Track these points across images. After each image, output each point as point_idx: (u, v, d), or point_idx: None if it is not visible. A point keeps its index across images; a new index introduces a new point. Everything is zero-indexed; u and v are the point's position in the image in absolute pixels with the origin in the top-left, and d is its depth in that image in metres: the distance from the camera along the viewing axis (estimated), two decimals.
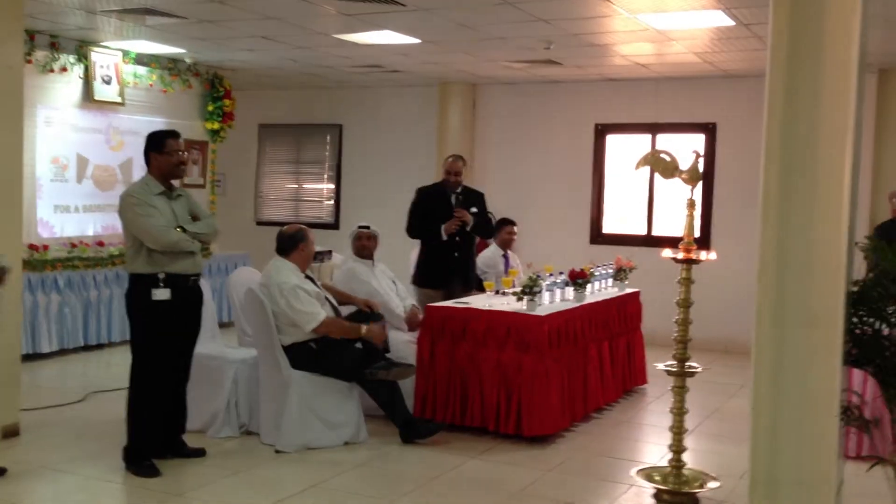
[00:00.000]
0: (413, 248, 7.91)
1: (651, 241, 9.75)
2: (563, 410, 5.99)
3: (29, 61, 7.75)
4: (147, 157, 5.12)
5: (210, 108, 10.09)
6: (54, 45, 8.22)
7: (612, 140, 10.36)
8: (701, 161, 4.83)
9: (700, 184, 4.89)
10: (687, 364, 4.79)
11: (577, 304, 6.42)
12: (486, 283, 6.58)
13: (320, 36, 7.94)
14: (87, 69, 8.57)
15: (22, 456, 5.23)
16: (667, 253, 4.79)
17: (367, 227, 6.73)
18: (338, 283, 6.50)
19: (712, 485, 4.85)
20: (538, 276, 6.12)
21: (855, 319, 3.58)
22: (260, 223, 12.25)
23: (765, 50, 3.42)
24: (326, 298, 5.84)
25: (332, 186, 11.97)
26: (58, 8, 7.04)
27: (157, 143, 5.08)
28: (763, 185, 3.39)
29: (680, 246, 4.72)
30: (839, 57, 3.26)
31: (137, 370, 5.05)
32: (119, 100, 8.94)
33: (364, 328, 5.67)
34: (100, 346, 8.66)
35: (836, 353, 3.29)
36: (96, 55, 8.65)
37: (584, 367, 6.36)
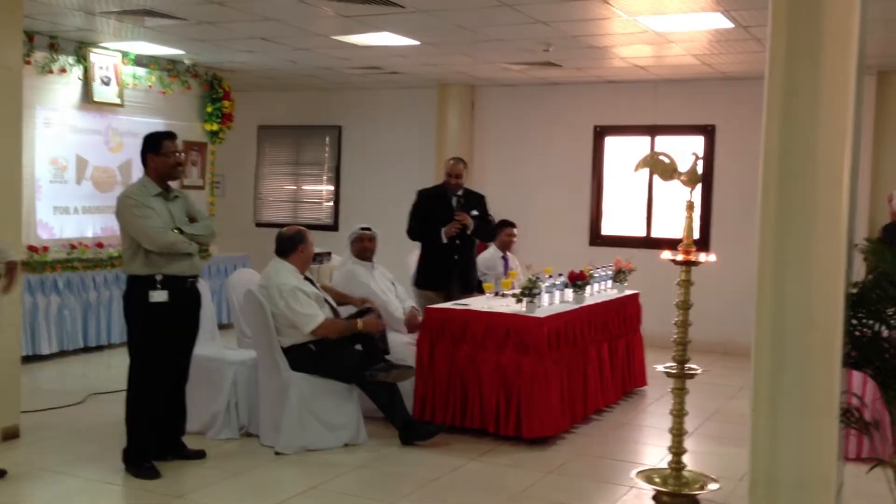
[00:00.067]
0: (412, 251, 7.91)
1: (650, 243, 9.75)
2: (563, 412, 5.99)
3: (28, 62, 7.75)
4: (144, 158, 5.11)
5: (209, 109, 10.10)
6: (53, 47, 8.22)
7: (611, 142, 10.36)
8: (700, 163, 4.83)
9: (699, 186, 4.88)
10: (686, 366, 4.79)
11: (577, 306, 6.42)
12: (485, 285, 6.58)
13: (319, 37, 7.94)
14: (86, 70, 8.58)
15: (22, 458, 5.23)
16: (666, 255, 4.79)
17: (369, 229, 6.73)
18: (337, 285, 6.50)
19: (712, 486, 4.85)
20: (537, 278, 6.12)
21: (854, 321, 3.58)
22: (259, 225, 12.25)
23: (764, 52, 3.42)
24: (325, 300, 5.84)
25: (332, 188, 11.97)
26: (57, 9, 7.04)
27: (154, 145, 5.07)
28: (762, 187, 3.39)
29: (679, 248, 4.72)
30: (838, 59, 3.26)
31: (135, 372, 5.04)
32: (118, 101, 8.95)
33: (360, 322, 5.68)
34: (99, 348, 8.67)
35: (835, 355, 3.29)
36: (95, 56, 8.65)
37: (584, 368, 6.37)
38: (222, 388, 5.72)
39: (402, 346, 6.26)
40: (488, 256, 8.11)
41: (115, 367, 7.81)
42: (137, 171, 7.29)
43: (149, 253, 4.90)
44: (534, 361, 5.71)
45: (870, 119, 8.73)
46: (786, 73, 3.32)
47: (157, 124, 8.59)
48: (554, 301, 6.37)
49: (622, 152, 10.25)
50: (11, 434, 5.56)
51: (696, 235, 5.03)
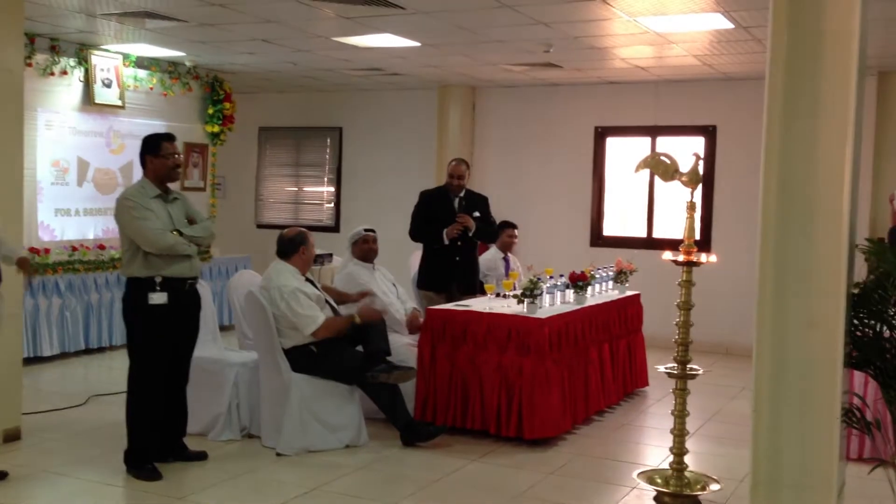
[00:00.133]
0: (414, 252, 7.91)
1: (651, 244, 9.76)
2: (564, 413, 5.99)
3: (29, 65, 7.76)
4: (143, 160, 5.10)
5: (210, 111, 10.10)
6: (54, 49, 8.23)
7: (611, 143, 10.36)
8: (701, 163, 4.83)
9: (700, 186, 4.89)
10: (688, 366, 4.79)
11: (578, 307, 6.42)
12: (486, 286, 6.58)
13: (320, 39, 7.95)
14: (87, 72, 8.59)
15: (23, 460, 5.23)
16: (667, 255, 4.79)
17: (372, 230, 6.72)
18: (338, 287, 6.50)
19: (714, 487, 4.85)
20: (538, 279, 6.12)
21: (856, 321, 3.59)
22: (260, 226, 12.26)
23: (764, 52, 3.42)
24: (326, 301, 5.84)
25: (332, 189, 11.98)
26: (58, 11, 7.05)
27: (153, 146, 5.06)
28: (763, 188, 3.39)
29: (680, 248, 4.72)
30: (839, 59, 3.26)
31: (135, 374, 5.04)
32: (119, 103, 8.95)
33: (356, 315, 5.69)
34: (101, 350, 8.67)
35: (836, 355, 3.29)
36: (96, 58, 8.66)
37: (585, 369, 6.36)
38: (223, 389, 5.72)
39: (404, 347, 6.26)
40: (489, 257, 8.11)
41: (116, 369, 7.82)
42: (139, 173, 7.28)
43: (148, 255, 4.89)
44: (535, 362, 5.71)
45: (870, 119, 8.72)
46: (786, 73, 3.32)
47: (158, 126, 8.60)
48: (555, 302, 6.37)
49: (623, 153, 10.25)
50: (13, 436, 5.57)
51: (698, 236, 5.02)
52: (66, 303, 8.29)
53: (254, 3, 6.57)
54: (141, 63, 9.24)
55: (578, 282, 6.54)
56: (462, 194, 7.08)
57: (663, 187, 9.42)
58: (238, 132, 10.77)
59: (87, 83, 8.60)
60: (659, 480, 4.86)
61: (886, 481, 3.68)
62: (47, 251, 8.15)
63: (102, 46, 8.66)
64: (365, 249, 6.64)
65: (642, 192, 10.09)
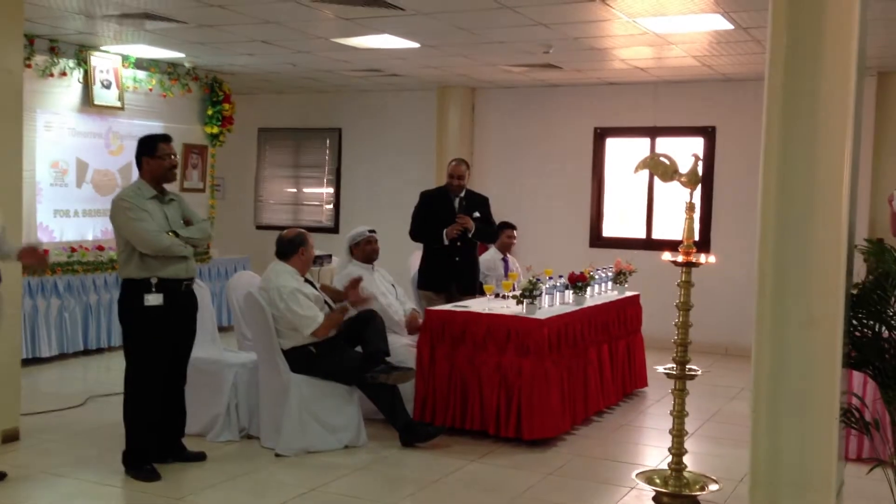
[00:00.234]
0: (413, 252, 7.91)
1: (651, 245, 9.76)
2: (563, 414, 5.99)
3: (28, 66, 7.76)
4: (139, 161, 5.09)
5: (209, 112, 10.11)
6: (54, 50, 8.23)
7: (611, 143, 10.37)
8: (700, 164, 4.83)
9: (699, 187, 4.88)
10: (687, 367, 4.78)
11: (577, 308, 6.42)
12: (485, 287, 6.58)
13: (319, 40, 7.95)
14: (86, 73, 8.59)
15: (22, 460, 5.23)
16: (666, 256, 4.79)
17: (374, 231, 6.72)
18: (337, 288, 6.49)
19: (713, 487, 4.84)
20: (538, 280, 6.12)
21: (854, 322, 3.59)
22: (259, 227, 12.26)
23: (764, 53, 3.42)
24: (326, 302, 5.84)
25: (332, 190, 11.98)
26: (57, 12, 7.05)
27: (149, 147, 5.05)
28: (762, 188, 3.39)
29: (680, 249, 4.72)
30: (838, 60, 3.27)
31: (132, 376, 5.03)
32: (118, 104, 8.96)
33: (346, 303, 5.70)
34: (100, 351, 8.67)
35: (835, 355, 3.29)
36: (96, 59, 8.66)
37: (584, 370, 6.36)
38: (222, 390, 5.72)
39: (403, 347, 6.26)
40: (488, 258, 8.11)
41: (114, 370, 7.80)
42: (137, 175, 7.30)
43: (144, 256, 4.88)
44: (534, 363, 5.70)
45: (870, 120, 8.72)
46: (786, 74, 3.33)
47: (157, 127, 8.61)
48: (554, 302, 6.37)
49: (623, 154, 10.25)
50: (11, 436, 5.56)
51: (697, 237, 5.02)
52: (65, 304, 8.29)
53: (253, 4, 6.57)
54: (140, 64, 9.24)
55: (578, 282, 6.54)
56: (462, 194, 7.09)
57: (662, 188, 9.43)
58: (237, 133, 10.78)
59: (87, 84, 8.61)
60: (658, 481, 4.86)
61: (885, 481, 3.68)
62: (46, 252, 8.12)
63: (102, 47, 8.66)
64: (369, 251, 6.63)
65: (642, 193, 10.09)
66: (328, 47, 8.26)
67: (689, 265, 4.73)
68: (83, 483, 4.91)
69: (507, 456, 5.59)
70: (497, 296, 6.61)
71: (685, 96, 9.84)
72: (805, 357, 3.31)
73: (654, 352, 7.83)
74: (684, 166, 4.82)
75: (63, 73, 8.37)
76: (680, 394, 4.81)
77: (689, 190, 4.77)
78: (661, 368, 4.86)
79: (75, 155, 8.60)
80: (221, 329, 7.55)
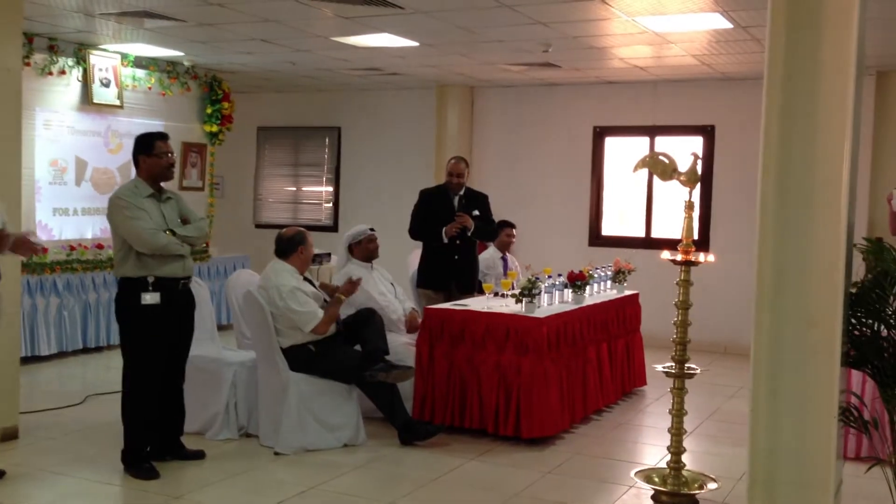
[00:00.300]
0: (411, 251, 7.91)
1: (650, 243, 9.77)
2: (562, 412, 5.99)
3: (27, 64, 7.76)
4: (136, 159, 5.08)
5: (209, 110, 10.10)
6: (53, 48, 8.23)
7: (610, 142, 10.37)
8: (699, 163, 4.83)
9: (699, 186, 4.89)
10: (686, 366, 4.79)
11: (576, 307, 6.42)
12: (484, 286, 6.59)
13: (318, 39, 7.94)
14: (85, 72, 8.58)
15: (21, 459, 5.23)
16: (665, 255, 4.79)
17: (374, 230, 6.72)
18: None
19: (711, 486, 4.85)
20: (537, 279, 6.12)
21: (853, 320, 3.59)
22: (259, 226, 12.26)
23: (763, 52, 3.43)
24: (325, 300, 5.84)
25: (331, 189, 11.98)
26: (56, 11, 7.04)
27: (146, 146, 5.03)
28: (761, 187, 3.39)
29: (679, 248, 4.73)
30: (837, 59, 3.27)
31: (129, 374, 5.02)
32: (118, 102, 8.95)
33: (339, 296, 5.71)
34: (98, 349, 8.67)
35: (834, 354, 3.29)
36: (95, 58, 8.65)
37: (583, 368, 6.37)
38: (221, 388, 5.72)
39: (402, 346, 6.26)
40: (487, 257, 8.12)
41: (113, 368, 7.79)
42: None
43: (140, 255, 4.87)
44: (533, 362, 5.71)
45: (869, 119, 8.73)
46: (785, 73, 3.33)
47: (156, 126, 8.59)
48: (553, 301, 6.37)
49: (622, 153, 10.25)
50: (10, 435, 5.56)
51: (696, 235, 5.03)
52: (64, 302, 8.29)
53: (252, 2, 6.56)
54: (139, 63, 9.23)
55: (577, 281, 6.54)
56: (462, 192, 7.09)
57: (662, 187, 9.43)
58: (236, 132, 10.77)
59: (86, 83, 8.60)
60: (657, 479, 4.86)
61: (883, 480, 3.69)
62: (45, 251, 8.11)
63: (101, 46, 8.66)
64: (371, 249, 6.62)
65: (641, 192, 10.09)
66: (327, 46, 8.25)
67: (688, 264, 4.73)
68: (82, 481, 4.91)
69: (506, 454, 5.59)
70: (496, 294, 6.61)
71: (684, 95, 9.84)
72: (804, 356, 3.31)
73: (653, 350, 7.83)
74: (683, 165, 4.82)
75: (62, 72, 8.36)
76: (679, 392, 4.81)
77: (688, 189, 4.77)
78: (660, 367, 4.87)
79: (74, 153, 8.60)
80: (221, 327, 7.55)
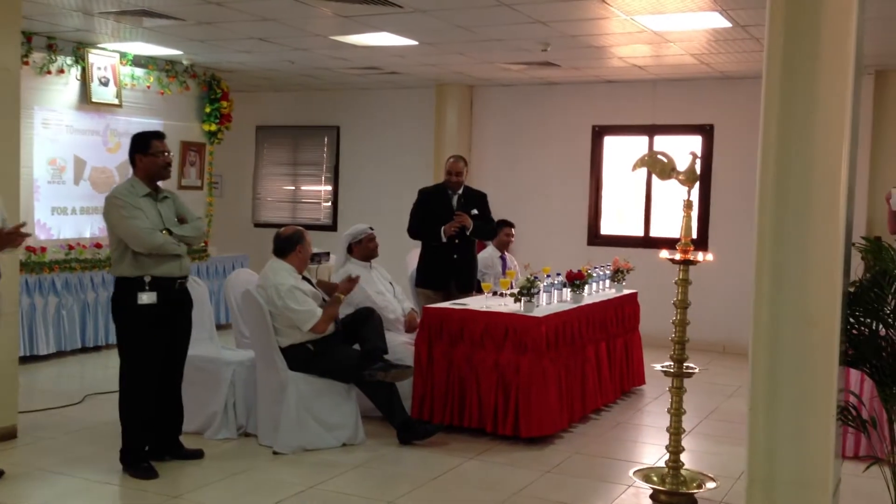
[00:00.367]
0: (410, 251, 7.90)
1: (648, 243, 9.77)
2: (561, 411, 5.99)
3: (26, 63, 7.74)
4: (132, 158, 5.06)
5: (207, 109, 10.09)
6: (51, 47, 8.22)
7: (609, 141, 10.37)
8: (698, 162, 4.83)
9: (697, 185, 4.89)
10: (685, 365, 4.79)
11: (575, 306, 6.42)
12: (483, 285, 6.59)
13: (317, 38, 7.94)
14: (84, 71, 8.58)
15: (19, 458, 5.23)
16: (664, 254, 4.79)
17: (373, 229, 6.72)
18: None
19: (710, 485, 4.85)
20: (535, 278, 6.12)
21: (852, 320, 3.59)
22: (257, 225, 12.26)
23: (761, 51, 3.42)
24: (323, 299, 5.84)
25: (330, 188, 11.97)
26: (55, 10, 7.04)
27: (143, 145, 5.02)
28: (760, 186, 3.39)
29: (677, 247, 4.73)
30: (836, 58, 3.26)
31: (126, 374, 5.01)
32: (116, 101, 8.95)
33: (339, 295, 5.70)
34: (97, 349, 8.67)
35: (833, 353, 3.29)
36: (93, 57, 8.65)
37: (582, 368, 6.37)
38: (220, 388, 5.72)
39: (401, 345, 6.26)
40: (486, 256, 8.12)
41: (112, 368, 7.74)
42: None
43: (137, 254, 4.86)
44: (532, 361, 5.71)
45: (867, 118, 8.73)
46: (783, 72, 3.32)
47: (155, 125, 8.59)
48: (552, 300, 6.37)
49: (621, 152, 10.25)
50: (9, 434, 5.56)
51: (694, 235, 5.03)
52: (63, 301, 8.28)
53: (251, 1, 6.56)
54: (138, 61, 9.23)
55: (575, 280, 6.54)
56: (461, 191, 7.08)
57: (660, 186, 9.43)
58: (235, 131, 10.76)
59: (84, 81, 8.59)
60: (655, 478, 4.87)
61: (881, 479, 3.69)
62: (44, 250, 8.14)
63: (99, 45, 8.65)
64: (371, 248, 6.62)
65: (639, 191, 10.10)
66: (326, 45, 8.25)
67: (686, 263, 4.74)
68: (80, 481, 4.90)
69: (505, 453, 5.59)
70: (495, 294, 6.61)
71: (683, 94, 9.84)
72: (802, 355, 3.31)
73: (651, 349, 7.84)
74: (682, 164, 4.82)
75: (61, 71, 8.36)
76: (677, 392, 4.81)
77: (686, 188, 4.78)
78: (658, 366, 4.87)
79: (73, 152, 8.59)
80: (219, 327, 7.55)
